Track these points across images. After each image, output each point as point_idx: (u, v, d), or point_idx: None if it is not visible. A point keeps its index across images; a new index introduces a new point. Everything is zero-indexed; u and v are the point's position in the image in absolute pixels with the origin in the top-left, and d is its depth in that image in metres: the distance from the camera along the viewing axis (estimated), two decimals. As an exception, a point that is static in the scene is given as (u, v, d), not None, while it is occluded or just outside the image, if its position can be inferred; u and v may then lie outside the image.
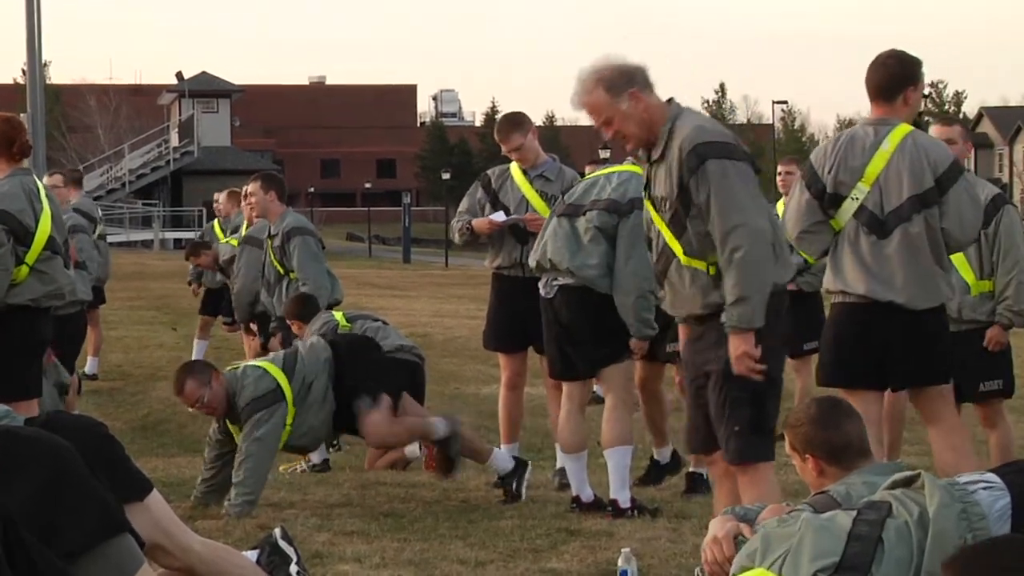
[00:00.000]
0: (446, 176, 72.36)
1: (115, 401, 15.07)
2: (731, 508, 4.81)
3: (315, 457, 10.27)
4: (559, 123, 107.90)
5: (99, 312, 15.83)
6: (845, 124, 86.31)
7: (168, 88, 78.16)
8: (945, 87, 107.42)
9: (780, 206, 9.27)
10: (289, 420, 8.22)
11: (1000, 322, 8.09)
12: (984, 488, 4.17)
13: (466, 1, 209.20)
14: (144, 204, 69.87)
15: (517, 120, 9.13)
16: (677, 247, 5.93)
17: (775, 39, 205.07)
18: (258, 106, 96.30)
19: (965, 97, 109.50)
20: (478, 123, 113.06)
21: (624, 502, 7.88)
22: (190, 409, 8.46)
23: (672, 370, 9.29)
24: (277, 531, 5.82)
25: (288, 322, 9.75)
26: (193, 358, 15.65)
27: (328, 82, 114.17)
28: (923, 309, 6.75)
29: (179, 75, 75.72)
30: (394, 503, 8.36)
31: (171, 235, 65.88)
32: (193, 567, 5.19)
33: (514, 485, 8.46)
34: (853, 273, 6.78)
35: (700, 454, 6.33)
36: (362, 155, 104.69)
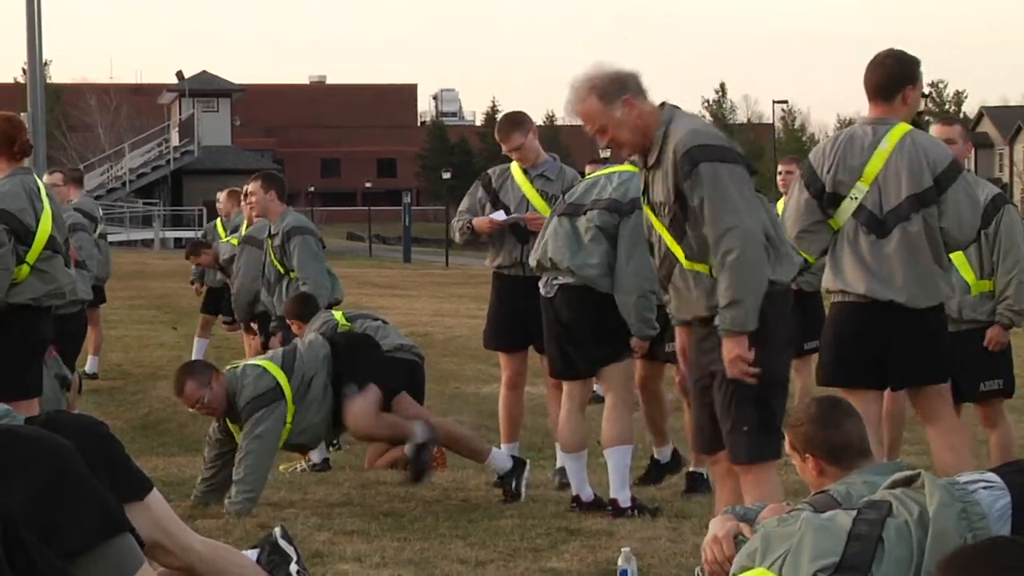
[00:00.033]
0: (446, 175, 72.36)
1: (115, 400, 15.07)
2: (731, 507, 4.81)
3: (315, 456, 10.28)
4: (559, 123, 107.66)
5: (99, 311, 15.83)
6: (845, 123, 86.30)
7: (168, 87, 78.18)
8: (945, 87, 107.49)
9: (780, 205, 9.27)
10: (289, 418, 8.22)
11: (1000, 322, 8.09)
12: (984, 488, 4.17)
13: (466, 1, 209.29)
14: (144, 203, 69.90)
15: (518, 120, 9.12)
16: (679, 252, 5.93)
17: (775, 39, 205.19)
18: (258, 105, 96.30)
19: (965, 97, 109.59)
20: (478, 123, 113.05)
21: (624, 501, 7.88)
22: (190, 409, 8.46)
23: (672, 370, 9.28)
24: (277, 530, 5.82)
25: (288, 322, 9.75)
26: (193, 357, 15.66)
27: (328, 81, 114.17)
28: (923, 308, 6.75)
29: (179, 74, 75.74)
30: (394, 502, 8.36)
31: (171, 234, 65.92)
32: (193, 566, 5.19)
33: (513, 484, 8.46)
34: (853, 272, 6.78)
35: (705, 454, 6.33)
36: (362, 154, 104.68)
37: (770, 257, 5.89)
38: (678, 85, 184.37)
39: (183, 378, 8.20)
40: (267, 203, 10.64)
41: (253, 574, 5.44)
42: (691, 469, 8.94)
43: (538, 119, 9.15)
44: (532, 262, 8.19)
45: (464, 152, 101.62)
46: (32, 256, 7.94)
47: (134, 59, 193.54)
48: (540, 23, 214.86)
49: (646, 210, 6.10)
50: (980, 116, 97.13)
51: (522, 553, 6.88)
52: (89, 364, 15.91)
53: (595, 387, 9.14)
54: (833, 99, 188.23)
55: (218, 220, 15.70)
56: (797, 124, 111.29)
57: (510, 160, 9.20)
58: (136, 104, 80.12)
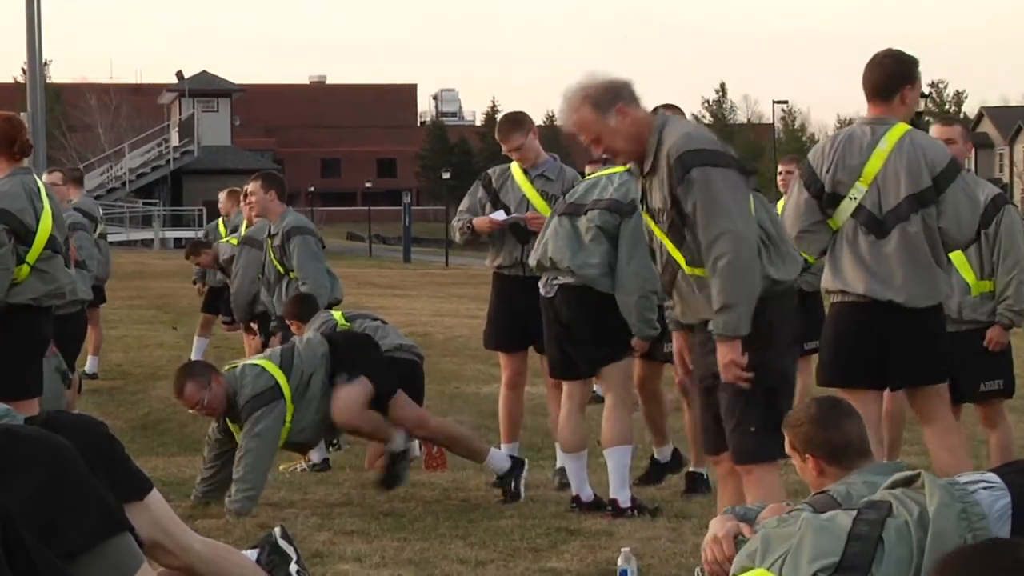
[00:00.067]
0: (446, 175, 72.38)
1: (115, 400, 15.07)
2: (731, 507, 4.81)
3: (315, 456, 10.27)
4: (559, 123, 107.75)
5: (99, 311, 15.82)
6: (845, 123, 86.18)
7: (168, 87, 78.18)
8: (945, 87, 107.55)
9: (780, 205, 9.27)
10: (288, 417, 8.22)
11: (1001, 322, 8.09)
12: (984, 488, 4.17)
13: (466, 1, 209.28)
14: (144, 203, 69.90)
15: (518, 120, 9.12)
16: (680, 257, 5.93)
17: (775, 39, 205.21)
18: (258, 105, 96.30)
19: (965, 97, 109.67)
20: (478, 123, 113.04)
21: (624, 501, 7.88)
22: (190, 411, 8.46)
23: (671, 370, 9.28)
24: (277, 530, 5.82)
25: (287, 322, 9.75)
26: (193, 356, 15.67)
27: (328, 81, 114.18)
28: (922, 308, 6.75)
29: (179, 74, 75.74)
30: (394, 502, 8.36)
31: (171, 234, 65.92)
32: (193, 566, 5.19)
33: (512, 484, 8.46)
34: (852, 272, 6.78)
35: (709, 455, 6.33)
36: (362, 154, 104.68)
37: (771, 256, 5.89)
38: (678, 85, 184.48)
39: (182, 380, 8.20)
40: (267, 203, 10.63)
41: (253, 574, 5.44)
42: (691, 469, 8.94)
43: (538, 119, 9.09)
44: (532, 262, 8.19)
45: (464, 152, 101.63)
46: (32, 256, 7.93)
47: (134, 59, 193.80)
48: (540, 23, 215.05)
49: (645, 217, 6.10)
50: (980, 116, 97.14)
51: (522, 553, 6.88)
52: (89, 364, 15.90)
53: (595, 387, 9.14)
54: (833, 99, 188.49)
55: (220, 220, 15.70)
56: (797, 124, 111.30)
57: (510, 160, 9.20)
58: (136, 104, 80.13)
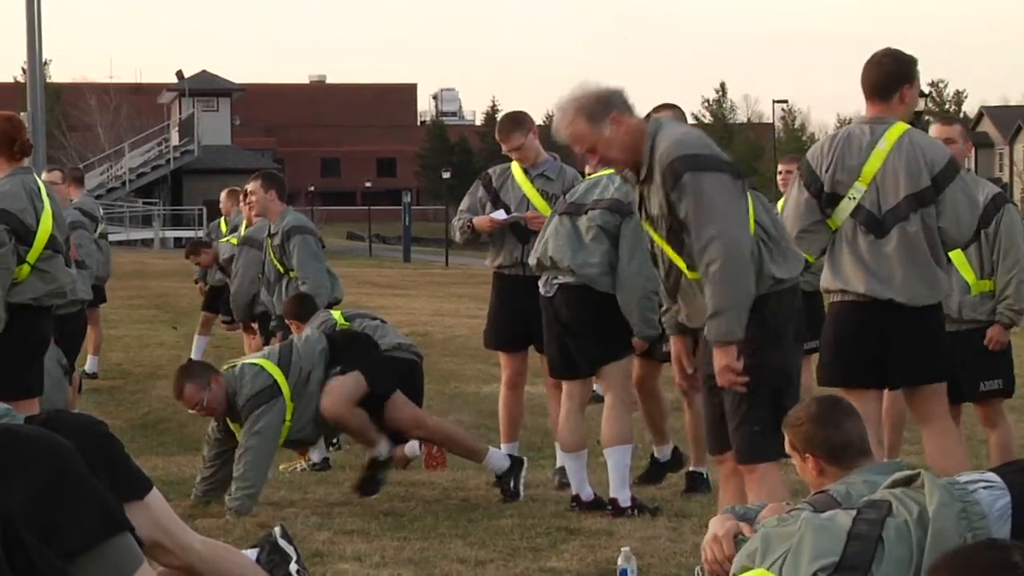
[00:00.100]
0: (446, 175, 72.36)
1: (115, 400, 15.07)
2: (731, 507, 4.81)
3: (315, 456, 10.28)
4: (555, 133, 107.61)
5: (99, 311, 15.83)
6: (845, 123, 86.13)
7: (168, 87, 78.18)
8: (945, 87, 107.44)
9: (780, 205, 9.27)
10: (288, 415, 8.22)
11: (1001, 321, 8.09)
12: (984, 487, 4.17)
13: (466, 1, 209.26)
14: (144, 203, 69.89)
15: (518, 119, 9.13)
16: (681, 263, 5.93)
17: (775, 39, 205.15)
18: (258, 105, 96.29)
19: (965, 97, 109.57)
20: (478, 122, 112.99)
21: (624, 501, 7.88)
22: (190, 411, 8.46)
23: (671, 369, 9.28)
24: (277, 530, 5.82)
25: (287, 321, 9.75)
26: (193, 355, 15.67)
27: (328, 81, 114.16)
28: (922, 306, 6.75)
29: (179, 74, 75.74)
30: (394, 502, 8.37)
31: (171, 234, 65.91)
32: (193, 566, 5.19)
33: (511, 483, 8.46)
34: (852, 272, 6.78)
35: (714, 454, 6.33)
36: (362, 154, 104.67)
37: (773, 255, 5.90)
38: (678, 85, 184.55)
39: (182, 381, 8.20)
40: (267, 203, 10.64)
41: (253, 573, 5.45)
42: (691, 468, 8.94)
43: (538, 119, 9.06)
44: (532, 261, 8.19)
45: (464, 152, 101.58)
46: (33, 256, 7.94)
47: (134, 59, 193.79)
48: (540, 23, 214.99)
49: (644, 224, 6.09)
50: (980, 116, 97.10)
51: (522, 553, 6.88)
52: (89, 364, 15.91)
53: (595, 387, 9.14)
54: (833, 99, 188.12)
55: (221, 219, 15.70)
56: (797, 124, 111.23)
57: (510, 160, 9.20)
58: (136, 104, 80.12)
